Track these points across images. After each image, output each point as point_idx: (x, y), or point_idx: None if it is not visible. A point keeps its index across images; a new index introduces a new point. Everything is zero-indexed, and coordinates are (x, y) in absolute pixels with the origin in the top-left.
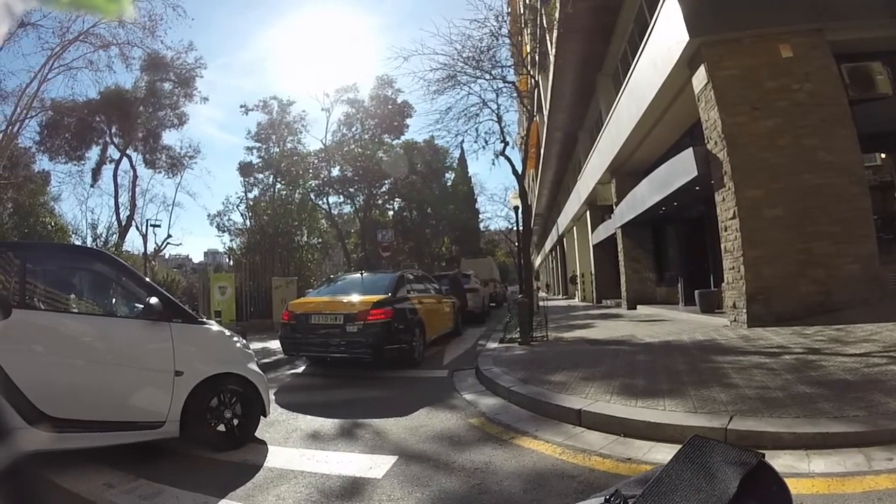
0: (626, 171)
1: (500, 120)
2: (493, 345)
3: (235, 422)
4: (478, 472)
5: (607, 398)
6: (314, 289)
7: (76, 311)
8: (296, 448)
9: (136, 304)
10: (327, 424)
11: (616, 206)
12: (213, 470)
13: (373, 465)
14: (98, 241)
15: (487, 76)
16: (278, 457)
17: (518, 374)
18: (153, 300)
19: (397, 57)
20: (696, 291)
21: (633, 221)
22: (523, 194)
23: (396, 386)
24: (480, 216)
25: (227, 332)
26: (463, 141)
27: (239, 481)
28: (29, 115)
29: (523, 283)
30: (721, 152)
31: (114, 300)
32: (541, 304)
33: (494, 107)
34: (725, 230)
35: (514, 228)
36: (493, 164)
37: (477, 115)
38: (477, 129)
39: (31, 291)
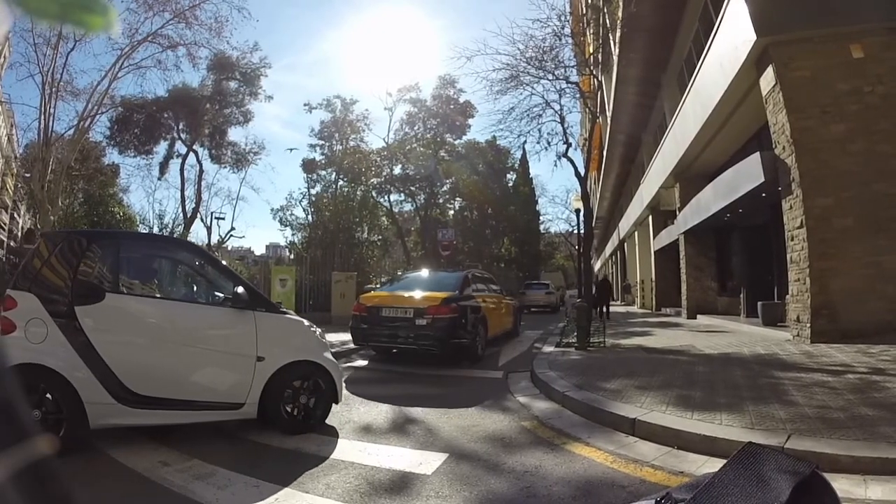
0: (691, 176)
1: (562, 121)
2: (549, 348)
3: (310, 406)
4: (527, 475)
5: (662, 408)
6: (381, 284)
7: (165, 297)
8: (348, 439)
9: (220, 293)
10: (381, 418)
11: (679, 211)
12: (265, 455)
13: (423, 461)
14: (164, 231)
15: (550, 76)
16: (331, 446)
17: (573, 379)
18: (240, 290)
19: (460, 57)
20: (759, 303)
21: (697, 228)
22: (585, 197)
23: (451, 384)
24: (541, 218)
25: (306, 322)
26: (525, 142)
27: (290, 468)
28: (100, 111)
29: (582, 287)
30: (789, 157)
31: (200, 288)
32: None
33: (557, 107)
34: (792, 240)
35: (575, 231)
36: (556, 165)
37: (540, 115)
38: (539, 130)
39: (122, 277)
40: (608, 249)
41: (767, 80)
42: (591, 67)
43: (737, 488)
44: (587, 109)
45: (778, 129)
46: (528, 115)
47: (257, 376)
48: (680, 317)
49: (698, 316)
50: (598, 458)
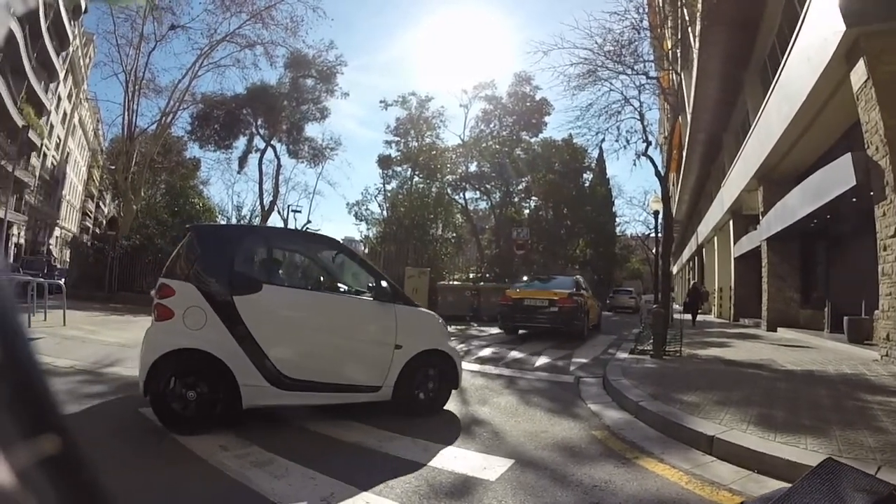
0: (775, 179)
1: (642, 118)
2: (623, 355)
3: (436, 391)
4: (595, 489)
5: (743, 427)
6: (518, 286)
7: (314, 289)
8: (412, 437)
9: (360, 287)
10: (447, 417)
11: (763, 215)
12: (327, 447)
13: (487, 466)
14: (242, 221)
15: (629, 71)
16: (393, 443)
17: (648, 388)
18: (384, 284)
19: (536, 51)
20: (845, 318)
21: (781, 234)
22: (665, 198)
23: (520, 387)
24: (617, 220)
25: (434, 315)
26: (603, 139)
27: (350, 462)
28: (181, 108)
29: (660, 293)
30: (883, 159)
31: (342, 281)
32: (674, 317)
33: (637, 104)
34: (885, 249)
35: (653, 234)
36: (635, 164)
37: (618, 112)
38: (618, 128)
39: (275, 270)
40: (685, 255)
41: (858, 74)
42: (670, 63)
43: (811, 503)
44: (666, 107)
45: (870, 127)
46: (606, 111)
47: (395, 363)
48: (759, 328)
49: (779, 329)
50: (671, 476)
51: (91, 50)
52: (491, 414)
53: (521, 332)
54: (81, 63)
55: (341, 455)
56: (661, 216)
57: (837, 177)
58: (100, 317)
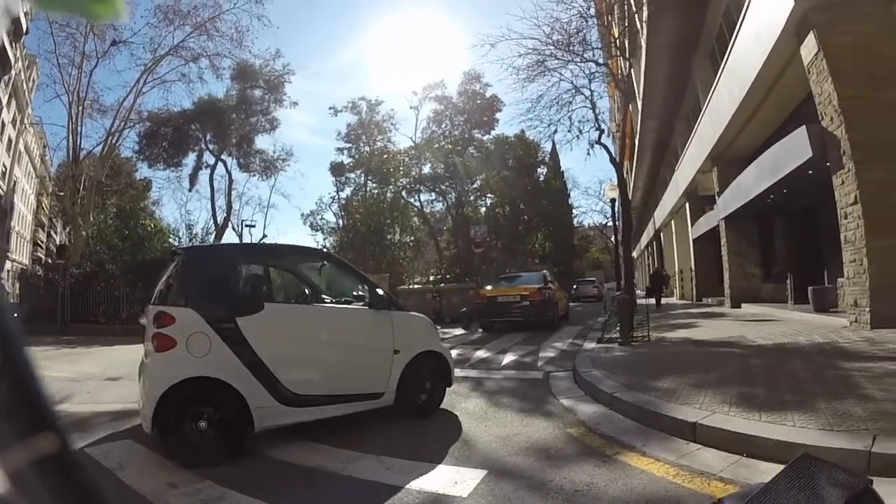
0: (729, 159)
1: (594, 107)
2: (590, 345)
3: (433, 391)
4: (578, 494)
5: (725, 409)
6: (490, 285)
7: (313, 302)
8: (375, 454)
9: (351, 296)
10: (410, 426)
11: (718, 196)
12: (284, 474)
13: (458, 481)
14: (194, 240)
15: (579, 59)
16: (355, 464)
17: (620, 378)
18: (379, 292)
19: (483, 44)
20: (810, 288)
21: (738, 212)
22: (622, 184)
23: (488, 388)
24: (574, 211)
25: (424, 317)
26: (556, 131)
27: (308, 490)
28: (127, 127)
29: (623, 280)
30: (838, 129)
31: (338, 292)
32: (639, 302)
33: (588, 93)
34: (846, 217)
35: (610, 223)
36: (588, 154)
37: (569, 102)
38: (570, 118)
39: (274, 287)
40: (644, 240)
41: (809, 47)
42: (619, 50)
43: (788, 499)
44: (617, 95)
45: (824, 99)
46: (557, 102)
47: (395, 367)
48: (723, 306)
49: (742, 305)
50: (657, 471)
51: (35, 72)
52: (459, 420)
53: (494, 328)
54: (25, 87)
55: (300, 483)
56: (618, 203)
57: (793, 151)
58: (51, 350)
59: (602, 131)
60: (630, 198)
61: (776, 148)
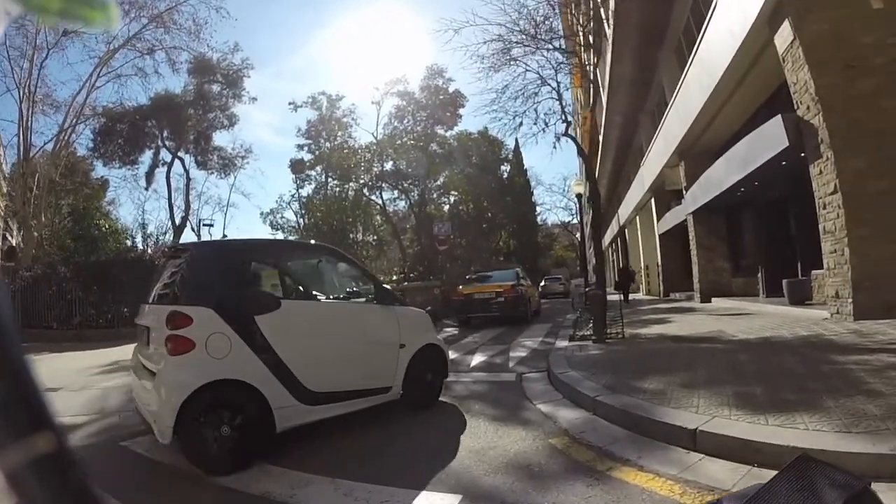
0: (697, 153)
1: (560, 98)
2: (563, 343)
3: (433, 382)
4: None
5: (724, 412)
6: (466, 282)
7: (325, 299)
8: (329, 477)
9: (352, 292)
10: (367, 442)
11: (686, 190)
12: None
13: None
14: (148, 240)
15: (546, 48)
16: (308, 489)
17: (601, 378)
18: (386, 287)
19: (447, 30)
20: (785, 281)
21: (707, 206)
22: (591, 175)
23: (457, 393)
24: (538, 209)
25: (423, 311)
26: (521, 123)
27: None
28: (81, 122)
29: (594, 274)
30: (815, 118)
31: (344, 288)
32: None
33: (554, 84)
34: (824, 207)
35: (575, 220)
36: (555, 147)
37: (535, 94)
38: (536, 110)
39: (288, 284)
40: (607, 237)
41: (784, 36)
42: (582, 43)
43: (787, 500)
44: (579, 93)
45: (800, 87)
46: (523, 93)
47: (401, 361)
48: (692, 301)
49: (713, 299)
50: (660, 489)
51: None
52: (426, 433)
53: (472, 323)
54: None
55: None
56: (584, 199)
57: (766, 141)
58: None
59: (569, 123)
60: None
61: (748, 140)
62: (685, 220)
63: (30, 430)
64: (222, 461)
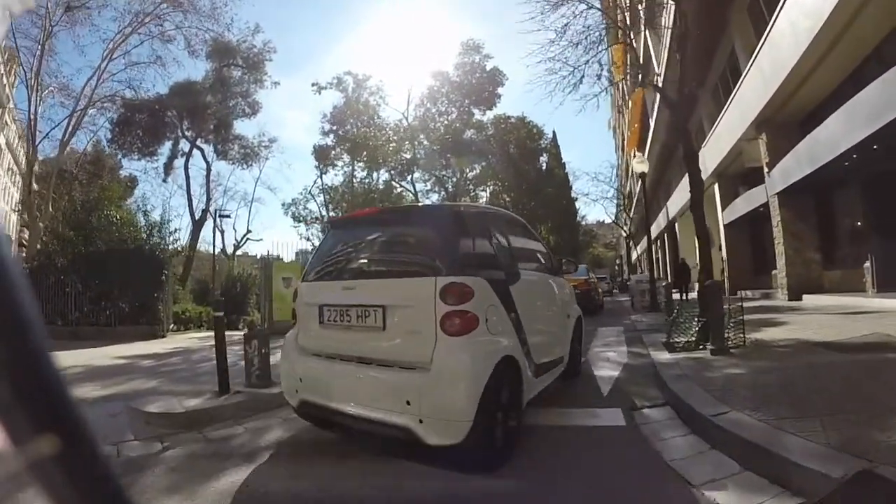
0: (780, 122)
1: (631, 41)
2: (661, 354)
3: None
4: None
5: None
6: None
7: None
8: None
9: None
10: None
11: (768, 167)
12: None
13: None
14: (153, 230)
15: None
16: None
17: (793, 423)
18: (566, 259)
19: None
20: None
21: (795, 186)
22: (684, 129)
23: (526, 447)
24: (578, 203)
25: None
26: (582, 77)
27: None
28: (93, 109)
29: (701, 262)
30: None
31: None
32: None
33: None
34: None
35: (622, 213)
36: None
37: (601, 40)
38: (600, 62)
39: (514, 253)
40: (653, 232)
41: None
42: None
43: None
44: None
45: None
46: (585, 38)
47: (568, 331)
48: (772, 299)
49: (804, 296)
50: None
51: (14, 66)
52: None
53: None
54: (5, 80)
55: None
56: (646, 179)
57: None
58: None
59: (645, 76)
60: (637, 190)
61: (884, 80)
62: (760, 207)
63: (54, 423)
64: (503, 453)
